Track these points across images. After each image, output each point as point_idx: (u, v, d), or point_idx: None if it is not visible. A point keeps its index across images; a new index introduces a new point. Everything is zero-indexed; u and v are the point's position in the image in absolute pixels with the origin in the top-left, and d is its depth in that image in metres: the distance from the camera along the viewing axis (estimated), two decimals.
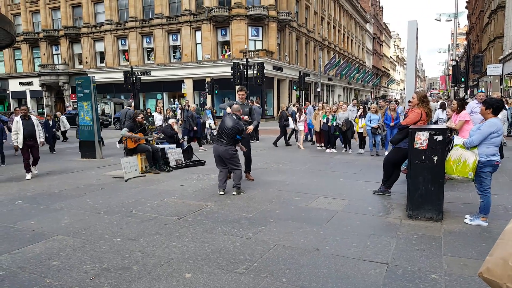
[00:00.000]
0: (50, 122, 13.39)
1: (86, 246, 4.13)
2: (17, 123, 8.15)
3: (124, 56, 36.16)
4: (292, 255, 3.78)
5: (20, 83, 40.83)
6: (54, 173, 8.71)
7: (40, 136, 8.47)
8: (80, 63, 38.55)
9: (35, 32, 39.42)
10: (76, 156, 11.19)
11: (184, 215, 5.17)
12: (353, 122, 11.54)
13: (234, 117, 6.30)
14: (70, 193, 6.68)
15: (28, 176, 8.13)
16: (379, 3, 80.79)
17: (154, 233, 4.49)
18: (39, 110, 39.40)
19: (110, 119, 28.21)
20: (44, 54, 39.31)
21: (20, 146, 8.08)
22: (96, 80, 11.19)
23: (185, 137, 12.39)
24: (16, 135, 8.07)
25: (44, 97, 39.65)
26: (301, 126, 12.79)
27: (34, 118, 8.45)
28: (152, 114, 14.19)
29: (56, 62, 39.34)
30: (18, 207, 5.82)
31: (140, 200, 6.07)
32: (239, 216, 5.09)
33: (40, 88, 39.02)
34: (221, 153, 6.21)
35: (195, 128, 12.36)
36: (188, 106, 15.05)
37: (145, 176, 8.07)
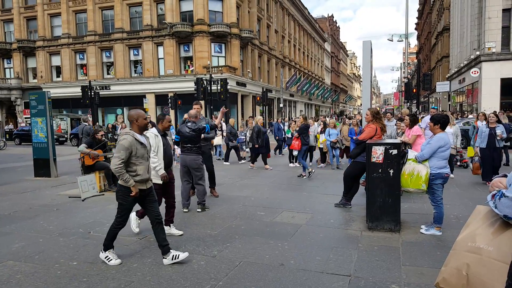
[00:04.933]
0: None
1: (40, 271, 3.88)
2: (155, 138, 4.80)
3: (82, 70, 35.02)
4: (257, 272, 3.78)
5: None
6: (4, 194, 8.12)
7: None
8: (34, 78, 36.83)
9: None
10: (29, 175, 10.53)
11: (145, 235, 5.01)
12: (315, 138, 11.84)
13: (189, 123, 6.24)
14: (22, 214, 6.26)
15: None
16: (336, 23, 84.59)
17: None
18: None
19: (66, 136, 26.95)
20: None
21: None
22: (51, 95, 10.71)
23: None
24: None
25: None
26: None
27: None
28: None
29: (8, 76, 37.27)
30: None
31: (98, 220, 5.81)
32: (203, 234, 5.01)
33: None
34: (189, 163, 6.10)
35: (256, 146, 11.15)
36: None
37: (103, 195, 7.75)
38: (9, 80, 36.37)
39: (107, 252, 4.03)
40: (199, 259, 4.13)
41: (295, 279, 3.61)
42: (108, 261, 3.99)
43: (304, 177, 9.40)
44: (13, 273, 3.84)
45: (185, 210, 6.19)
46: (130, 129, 3.92)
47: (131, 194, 3.81)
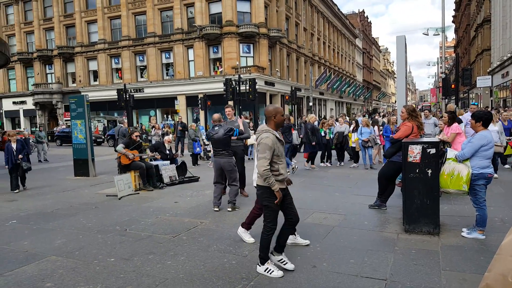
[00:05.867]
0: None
1: (80, 266, 4.05)
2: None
3: (117, 74, 36.36)
4: (289, 273, 3.73)
5: (14, 103, 40.87)
6: (47, 192, 8.60)
7: None
8: (73, 82, 38.70)
9: (29, 52, 39.71)
10: (69, 174, 11.07)
11: (178, 233, 5.11)
12: (347, 137, 11.64)
13: (217, 128, 6.30)
14: (64, 212, 6.58)
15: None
16: (368, 19, 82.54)
17: (149, 252, 4.43)
18: (32, 129, 39.13)
19: (103, 137, 28.06)
20: (38, 74, 39.49)
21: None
22: (89, 98, 11.19)
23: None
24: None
25: (37, 115, 39.62)
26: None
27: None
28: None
29: (49, 81, 39.51)
30: (11, 228, 5.71)
31: (134, 218, 6.00)
32: (234, 233, 5.01)
33: (33, 107, 39.03)
34: (223, 165, 6.21)
35: (313, 143, 10.62)
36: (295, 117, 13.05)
37: (138, 193, 8.00)
38: (50, 85, 38.52)
39: (266, 264, 3.69)
40: (230, 259, 4.15)
41: (327, 281, 3.53)
42: (270, 273, 3.63)
43: (289, 173, 9.48)
44: (56, 268, 4.03)
45: (215, 209, 6.26)
46: (267, 126, 3.65)
47: (275, 202, 3.54)
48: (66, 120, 35.11)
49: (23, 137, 14.53)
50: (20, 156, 8.84)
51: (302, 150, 12.79)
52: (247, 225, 4.72)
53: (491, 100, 33.26)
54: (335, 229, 5.12)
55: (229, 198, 6.32)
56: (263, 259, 3.70)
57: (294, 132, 10.54)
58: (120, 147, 8.34)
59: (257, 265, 3.77)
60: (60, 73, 38.51)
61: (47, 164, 15.15)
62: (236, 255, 4.26)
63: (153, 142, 13.56)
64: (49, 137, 30.91)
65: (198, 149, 12.60)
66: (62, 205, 7.14)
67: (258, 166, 3.49)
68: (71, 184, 9.70)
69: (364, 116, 19.02)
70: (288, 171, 9.94)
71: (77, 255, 4.41)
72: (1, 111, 41.65)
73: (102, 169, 11.96)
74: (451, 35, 78.16)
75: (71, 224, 5.75)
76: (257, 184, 3.71)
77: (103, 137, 28.00)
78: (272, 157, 3.51)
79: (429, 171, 4.64)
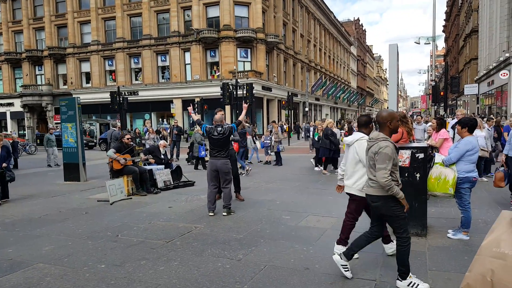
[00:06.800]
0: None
1: (69, 274, 3.94)
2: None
3: (111, 76, 36.02)
4: (282, 276, 3.75)
5: (0, 104, 39.44)
6: (35, 197, 8.38)
7: None
8: (64, 84, 37.85)
9: (18, 52, 38.40)
10: (59, 179, 10.85)
11: (172, 238, 5.03)
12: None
13: (219, 128, 6.22)
14: (52, 218, 6.42)
15: None
16: (362, 26, 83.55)
17: (141, 258, 4.34)
18: (19, 132, 38.34)
19: (95, 140, 27.74)
20: (27, 75, 38.31)
21: None
22: (81, 101, 11.02)
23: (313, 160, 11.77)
24: None
25: (25, 118, 38.38)
26: None
27: None
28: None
29: (39, 82, 38.30)
30: None
31: (126, 224, 5.89)
32: (229, 237, 4.99)
33: (21, 109, 37.77)
34: (220, 166, 6.13)
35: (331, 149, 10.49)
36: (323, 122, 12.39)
37: (131, 198, 7.87)
38: (40, 86, 37.33)
39: (408, 278, 3.41)
40: (224, 263, 4.11)
41: (320, 283, 3.57)
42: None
43: (243, 175, 10.17)
44: (43, 276, 3.92)
45: (210, 213, 6.20)
46: (380, 133, 3.46)
47: (405, 210, 3.39)
48: (56, 123, 34.40)
49: (11, 141, 14.25)
50: (4, 164, 7.78)
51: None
52: (345, 240, 4.21)
53: (478, 107, 34.10)
54: (328, 232, 5.15)
55: (224, 203, 6.25)
56: (404, 273, 3.41)
57: (249, 137, 10.87)
58: (110, 152, 8.15)
59: (397, 279, 3.46)
60: (51, 74, 37.56)
61: (36, 168, 14.91)
62: (231, 259, 4.22)
63: (147, 146, 13.44)
64: (38, 140, 30.31)
65: (203, 152, 12.53)
66: (50, 211, 6.97)
67: (378, 178, 3.31)
68: (60, 189, 9.50)
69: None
70: (243, 173, 10.27)
71: (65, 262, 4.29)
72: None
73: (94, 173, 11.77)
74: (441, 44, 79.57)
75: (60, 230, 5.60)
76: (371, 195, 3.49)
77: (94, 140, 27.63)
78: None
79: (418, 175, 4.77)
